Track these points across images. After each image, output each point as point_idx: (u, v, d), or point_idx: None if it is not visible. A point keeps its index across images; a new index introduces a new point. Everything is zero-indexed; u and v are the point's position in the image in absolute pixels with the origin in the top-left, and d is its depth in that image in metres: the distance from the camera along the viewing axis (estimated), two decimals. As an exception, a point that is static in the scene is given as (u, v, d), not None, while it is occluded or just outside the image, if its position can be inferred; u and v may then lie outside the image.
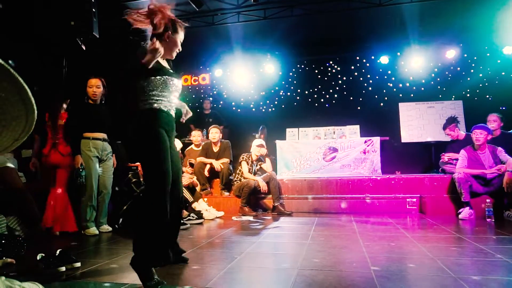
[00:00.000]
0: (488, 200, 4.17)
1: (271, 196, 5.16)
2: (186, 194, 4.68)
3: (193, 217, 4.38)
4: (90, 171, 3.73)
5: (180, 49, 2.42)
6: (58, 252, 2.37)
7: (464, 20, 6.75)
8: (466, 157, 4.60)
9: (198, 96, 9.04)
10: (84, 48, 5.06)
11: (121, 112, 3.60)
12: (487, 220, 4.04)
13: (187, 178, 4.87)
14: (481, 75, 7.64)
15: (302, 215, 4.98)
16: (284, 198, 5.32)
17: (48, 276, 2.18)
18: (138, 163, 4.61)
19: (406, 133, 7.48)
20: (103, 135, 3.91)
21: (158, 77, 2.20)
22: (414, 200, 4.88)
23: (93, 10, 4.89)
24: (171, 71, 2.37)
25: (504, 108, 6.81)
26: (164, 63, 2.38)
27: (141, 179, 4.33)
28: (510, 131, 5.96)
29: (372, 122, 7.24)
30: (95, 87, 3.87)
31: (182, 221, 4.04)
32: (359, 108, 8.23)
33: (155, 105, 2.18)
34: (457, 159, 4.80)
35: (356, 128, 6.16)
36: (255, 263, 2.47)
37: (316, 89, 8.58)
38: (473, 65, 7.72)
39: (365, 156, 5.74)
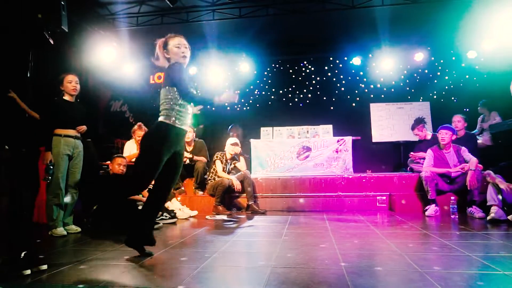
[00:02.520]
0: (452, 198, 4.36)
1: (245, 195, 5.17)
2: (159, 193, 4.60)
3: (166, 216, 4.31)
4: (58, 169, 3.60)
5: (184, 54, 2.67)
6: (23, 254, 2.27)
7: (431, 25, 7.01)
8: (432, 156, 4.78)
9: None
10: (52, 42, 4.87)
11: (93, 110, 3.53)
12: (452, 216, 4.23)
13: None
14: (447, 77, 7.97)
15: (276, 213, 5.02)
16: (258, 196, 5.34)
17: (12, 280, 2.09)
18: (108, 162, 4.49)
19: (377, 132, 7.69)
20: (75, 133, 3.78)
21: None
22: (384, 198, 5.03)
23: (62, 3, 4.70)
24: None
25: (467, 109, 7.14)
26: None
27: (112, 178, 4.22)
28: (473, 132, 6.27)
29: (345, 122, 7.39)
30: (75, 82, 3.76)
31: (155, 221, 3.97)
32: (332, 108, 8.38)
33: (172, 119, 2.50)
34: (424, 158, 4.98)
35: (329, 127, 6.27)
36: (229, 262, 2.47)
37: (290, 89, 8.67)
38: (439, 68, 8.04)
39: (337, 155, 5.86)
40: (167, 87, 2.56)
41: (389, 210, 4.97)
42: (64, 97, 3.77)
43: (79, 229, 3.76)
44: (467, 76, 7.84)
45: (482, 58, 7.40)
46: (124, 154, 5.45)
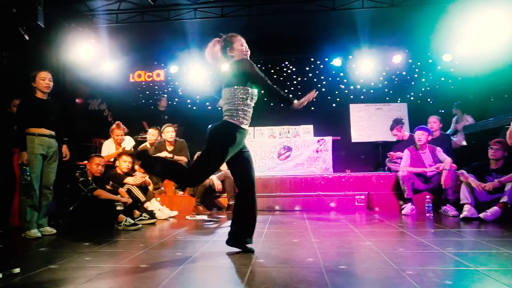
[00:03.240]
0: (428, 197, 4.49)
1: (226, 194, 5.16)
2: (138, 193, 4.54)
3: (145, 217, 4.26)
4: (32, 169, 3.49)
5: (248, 52, 2.73)
6: (-6, 257, 2.20)
7: (409, 28, 7.17)
8: (409, 156, 4.91)
9: (152, 93, 8.79)
10: (27, 38, 4.72)
11: (70, 109, 3.46)
12: (427, 215, 4.35)
13: (139, 177, 4.72)
14: (423, 80, 8.18)
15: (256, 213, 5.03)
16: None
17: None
18: (86, 162, 4.40)
19: (356, 133, 7.82)
20: (50, 132, 3.68)
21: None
22: (362, 197, 5.12)
23: (38, -3, 4.57)
24: None
25: (443, 111, 7.34)
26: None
27: (89, 178, 4.13)
28: (448, 132, 6.47)
29: (325, 122, 7.47)
30: (48, 79, 3.66)
31: (134, 221, 3.92)
32: (312, 108, 8.44)
33: (239, 119, 2.54)
34: (401, 158, 5.10)
35: (310, 127, 6.34)
36: (209, 262, 2.46)
37: (272, 89, 8.70)
38: (416, 70, 8.25)
39: (317, 155, 5.92)
40: (235, 87, 2.55)
41: (368, 209, 5.07)
42: (36, 95, 3.66)
43: (54, 231, 3.66)
44: (442, 79, 8.07)
45: (457, 62, 7.64)
46: (102, 154, 5.35)
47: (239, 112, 2.54)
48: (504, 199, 3.87)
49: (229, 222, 4.25)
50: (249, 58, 2.71)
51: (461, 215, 4.06)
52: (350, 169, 6.54)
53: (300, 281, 1.99)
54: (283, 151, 6.01)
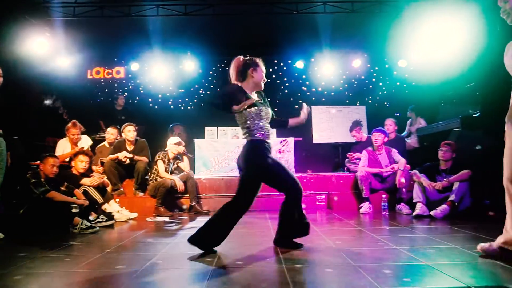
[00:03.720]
0: (384, 196, 4.70)
1: (188, 195, 5.09)
2: (95, 195, 4.36)
3: (103, 219, 4.10)
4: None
5: (265, 80, 2.90)
6: None
7: (368, 33, 7.47)
8: (367, 157, 5.11)
9: (112, 90, 8.48)
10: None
11: (22, 105, 3.26)
12: (383, 213, 4.55)
13: (96, 177, 4.55)
14: (381, 84, 8.56)
15: (219, 213, 5.01)
16: (202, 197, 5.30)
17: None
18: (39, 162, 4.16)
19: (318, 134, 8.02)
20: (-4, 129, 3.44)
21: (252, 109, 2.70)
22: (323, 196, 5.26)
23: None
24: (261, 101, 2.83)
25: (398, 114, 7.72)
26: (254, 95, 2.82)
27: (42, 179, 3.92)
28: (402, 134, 6.81)
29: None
30: None
31: (90, 224, 3.77)
32: (276, 109, 8.52)
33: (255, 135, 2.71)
34: (360, 159, 5.30)
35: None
36: (170, 264, 2.42)
37: (235, 89, 8.69)
38: (374, 74, 8.61)
39: (280, 156, 6.00)
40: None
41: (328, 208, 5.21)
42: None
43: (1, 236, 3.43)
44: (398, 84, 8.49)
45: (411, 68, 8.06)
46: (57, 154, 5.10)
47: (255, 130, 2.73)
48: (452, 197, 4.14)
49: (192, 223, 4.23)
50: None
51: (414, 213, 4.29)
52: (312, 170, 6.69)
53: (262, 280, 2.01)
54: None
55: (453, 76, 6.39)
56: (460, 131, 5.30)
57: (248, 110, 2.69)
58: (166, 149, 5.28)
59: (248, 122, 2.72)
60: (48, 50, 6.70)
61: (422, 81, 7.54)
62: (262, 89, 2.92)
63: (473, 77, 5.91)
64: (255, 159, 2.69)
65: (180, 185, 4.96)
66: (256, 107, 2.72)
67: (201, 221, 4.41)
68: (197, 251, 2.66)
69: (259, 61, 2.88)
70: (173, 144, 5.22)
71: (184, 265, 2.39)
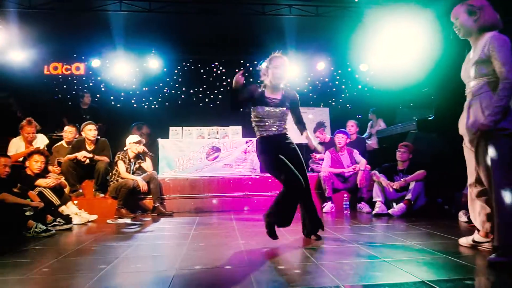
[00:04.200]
0: (345, 195, 4.85)
1: (151, 196, 4.97)
2: (52, 196, 4.16)
3: (59, 222, 3.91)
4: None
5: (277, 78, 2.96)
6: None
7: (332, 37, 7.67)
8: (330, 157, 5.24)
9: (70, 87, 8.12)
10: None
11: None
12: (345, 212, 4.69)
13: (53, 178, 4.33)
14: (343, 86, 8.83)
15: (183, 215, 4.95)
16: (166, 198, 5.20)
17: None
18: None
19: (283, 135, 8.11)
20: None
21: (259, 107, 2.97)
22: (288, 196, 5.32)
23: None
24: (275, 100, 2.98)
25: (360, 116, 8.00)
26: (269, 94, 3.00)
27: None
28: (363, 136, 7.06)
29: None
30: None
31: (46, 227, 3.58)
32: (242, 109, 8.56)
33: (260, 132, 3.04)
34: (323, 159, 5.43)
35: (239, 128, 6.40)
36: (131, 267, 2.36)
37: (201, 89, 8.62)
38: (337, 77, 8.86)
39: (245, 156, 6.01)
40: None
41: (292, 208, 5.28)
42: None
43: None
44: (359, 87, 8.79)
45: (372, 72, 8.37)
46: (9, 153, 4.82)
47: (258, 128, 3.05)
48: (409, 196, 4.35)
49: (155, 225, 4.15)
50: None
51: (373, 212, 4.46)
52: (277, 170, 6.74)
53: (226, 281, 2.01)
54: (211, 152, 5.99)
55: (411, 80, 6.71)
56: (416, 133, 5.58)
57: (252, 109, 3.02)
58: (125, 149, 5.12)
59: (252, 121, 3.08)
60: (1, 44, 6.29)
61: (382, 85, 7.85)
62: (279, 86, 3.03)
63: (429, 82, 6.25)
64: (258, 156, 3.11)
65: (143, 185, 4.84)
66: (254, 107, 3.01)
67: (164, 222, 4.34)
68: (161, 253, 2.62)
69: (274, 59, 3.03)
70: (133, 143, 5.06)
71: (146, 268, 2.34)
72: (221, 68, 8.71)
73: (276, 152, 2.92)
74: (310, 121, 7.90)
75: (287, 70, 3.02)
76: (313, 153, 6.08)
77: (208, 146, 6.02)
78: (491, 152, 2.26)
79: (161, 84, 8.47)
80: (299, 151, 3.11)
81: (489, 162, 2.26)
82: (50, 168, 4.92)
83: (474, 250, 2.56)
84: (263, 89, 3.02)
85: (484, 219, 2.51)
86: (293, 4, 6.75)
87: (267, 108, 2.96)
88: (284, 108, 3.02)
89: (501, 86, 2.24)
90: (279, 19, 6.94)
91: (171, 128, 6.38)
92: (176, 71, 8.55)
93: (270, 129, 3.00)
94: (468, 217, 3.64)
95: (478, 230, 2.59)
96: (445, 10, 5.64)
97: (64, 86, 8.16)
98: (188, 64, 8.60)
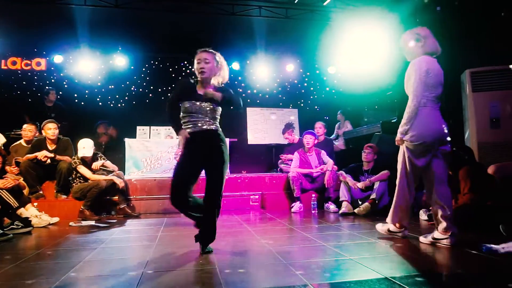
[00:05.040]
0: (313, 195, 4.94)
1: (116, 197, 4.83)
2: (9, 198, 3.93)
3: (17, 225, 3.71)
4: None
5: (199, 73, 2.76)
6: None
7: (301, 39, 7.81)
8: (298, 158, 5.32)
9: (30, 83, 7.71)
10: None
11: None
12: (312, 212, 4.78)
13: (10, 179, 4.10)
14: (312, 88, 8.99)
15: (151, 216, 4.85)
16: (132, 199, 5.07)
17: None
18: None
19: (252, 135, 8.15)
20: None
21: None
22: (257, 197, 5.36)
23: None
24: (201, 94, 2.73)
25: (327, 117, 8.17)
26: (200, 89, 2.76)
27: None
28: (331, 137, 7.23)
29: (223, 123, 7.53)
30: None
31: (3, 231, 3.39)
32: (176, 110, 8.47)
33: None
34: (292, 160, 5.50)
35: (208, 129, 6.36)
36: (95, 271, 2.28)
37: (169, 88, 8.46)
38: (306, 79, 9.01)
39: (215, 156, 5.98)
40: None
41: (261, 208, 5.32)
42: None
43: None
44: (327, 89, 8.98)
45: (339, 74, 8.58)
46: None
47: (185, 124, 2.78)
48: (373, 196, 4.50)
49: (121, 227, 4.03)
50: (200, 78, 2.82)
51: (340, 211, 4.58)
52: (246, 170, 6.78)
53: (195, 282, 2.00)
54: (180, 152, 5.91)
55: (376, 84, 6.95)
56: (381, 135, 5.79)
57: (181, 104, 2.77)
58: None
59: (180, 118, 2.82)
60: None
61: (349, 87, 8.06)
62: (202, 79, 2.81)
63: (393, 86, 6.50)
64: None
65: (120, 182, 4.69)
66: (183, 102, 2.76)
67: (131, 224, 4.23)
68: (127, 255, 2.55)
69: (196, 55, 2.84)
70: (82, 148, 4.81)
71: (111, 271, 2.27)
72: (189, 67, 8.59)
73: (191, 151, 2.73)
74: (280, 122, 8.00)
75: (213, 66, 2.81)
76: (282, 154, 6.16)
77: (176, 146, 5.93)
78: None
79: (128, 82, 8.24)
80: (225, 154, 2.84)
81: None
82: (7, 168, 4.65)
83: (434, 247, 2.70)
84: (195, 84, 2.82)
85: (439, 218, 2.73)
86: (263, 5, 6.80)
87: (197, 103, 2.73)
88: (214, 105, 2.80)
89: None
90: (248, 20, 6.97)
91: (138, 128, 6.24)
92: (143, 69, 8.35)
93: (198, 125, 2.75)
94: (428, 215, 3.83)
95: (437, 228, 2.75)
96: (409, 14, 5.94)
97: (24, 82, 7.74)
98: (156, 62, 8.42)
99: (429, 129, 2.74)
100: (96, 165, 4.84)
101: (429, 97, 2.76)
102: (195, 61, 2.78)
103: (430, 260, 2.36)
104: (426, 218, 3.90)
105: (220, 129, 2.86)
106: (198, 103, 2.72)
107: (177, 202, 2.67)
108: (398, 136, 2.85)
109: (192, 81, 2.81)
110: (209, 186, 2.74)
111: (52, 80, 7.87)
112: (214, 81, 2.82)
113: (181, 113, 2.77)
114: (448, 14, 5.26)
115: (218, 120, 2.87)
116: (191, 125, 2.73)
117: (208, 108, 2.76)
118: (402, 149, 2.88)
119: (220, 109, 2.87)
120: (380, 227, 3.14)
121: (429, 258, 2.42)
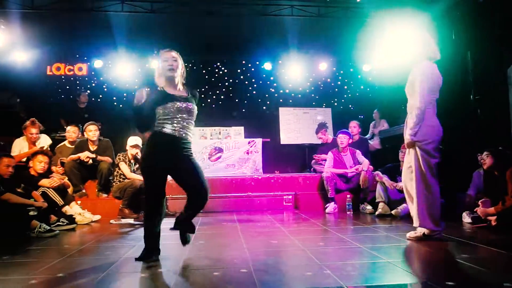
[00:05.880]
0: (348, 196, 4.84)
1: (154, 196, 4.97)
2: (55, 196, 4.16)
3: (63, 222, 3.92)
4: None
5: (168, 70, 2.71)
6: None
7: (335, 37, 7.65)
8: (332, 158, 5.24)
9: (73, 88, 8.13)
10: None
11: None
12: (347, 213, 4.69)
13: (56, 178, 4.34)
14: (346, 87, 8.81)
15: (186, 215, 4.94)
16: (168, 198, 5.20)
17: None
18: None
19: (285, 135, 8.12)
20: None
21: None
22: (290, 197, 5.33)
23: None
24: (177, 95, 2.69)
25: (362, 116, 7.98)
26: (172, 90, 2.74)
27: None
28: (366, 136, 7.05)
29: (256, 124, 7.62)
30: None
31: (50, 227, 3.59)
32: (244, 110, 8.57)
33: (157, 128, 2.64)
34: (325, 160, 5.42)
35: (241, 129, 6.42)
36: (134, 268, 2.36)
37: (203, 90, 8.61)
38: (340, 78, 8.84)
39: (248, 156, 6.02)
40: None
41: (295, 209, 5.28)
42: None
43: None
44: (362, 87, 8.76)
45: (374, 72, 8.35)
46: (13, 153, 4.82)
47: (160, 123, 2.72)
48: (412, 197, 4.33)
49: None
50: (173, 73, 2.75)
51: (376, 212, 4.45)
52: (279, 170, 6.76)
53: (229, 281, 2.01)
54: (214, 152, 6.00)
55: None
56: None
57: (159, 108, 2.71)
58: (127, 150, 5.10)
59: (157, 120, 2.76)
60: (4, 44, 6.32)
61: (384, 85, 7.82)
62: (171, 79, 2.76)
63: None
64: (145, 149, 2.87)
65: None
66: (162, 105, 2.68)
67: (167, 222, 4.32)
68: (164, 253, 2.62)
69: (161, 55, 2.80)
70: (129, 146, 5.00)
71: (149, 268, 2.34)
72: (223, 68, 8.71)
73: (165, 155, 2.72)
74: (313, 122, 7.91)
75: (178, 64, 2.73)
76: (316, 154, 6.08)
77: (210, 147, 6.03)
78: None
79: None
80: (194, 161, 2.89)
81: None
82: (53, 168, 4.93)
83: (475, 250, 2.55)
84: (161, 89, 2.74)
85: None
86: (295, 5, 6.75)
87: (178, 104, 2.65)
88: (192, 104, 2.77)
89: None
90: (280, 20, 6.94)
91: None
92: (178, 71, 8.54)
93: (175, 126, 2.68)
94: (472, 218, 3.64)
95: None
96: (448, 7, 5.67)
97: (67, 87, 8.17)
98: (190, 65, 8.59)
99: (434, 128, 2.93)
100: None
101: (431, 100, 2.98)
102: (161, 60, 2.75)
103: (469, 266, 2.24)
104: (469, 220, 3.70)
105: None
106: (178, 104, 2.66)
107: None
108: (409, 139, 2.94)
109: (158, 88, 2.78)
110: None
111: (93, 84, 8.25)
112: (178, 80, 2.78)
113: (160, 116, 2.66)
114: (492, 5, 4.97)
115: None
116: (169, 125, 2.69)
117: (189, 107, 2.74)
118: (413, 153, 2.96)
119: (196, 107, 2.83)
120: (412, 234, 3.02)
121: (474, 263, 2.30)
